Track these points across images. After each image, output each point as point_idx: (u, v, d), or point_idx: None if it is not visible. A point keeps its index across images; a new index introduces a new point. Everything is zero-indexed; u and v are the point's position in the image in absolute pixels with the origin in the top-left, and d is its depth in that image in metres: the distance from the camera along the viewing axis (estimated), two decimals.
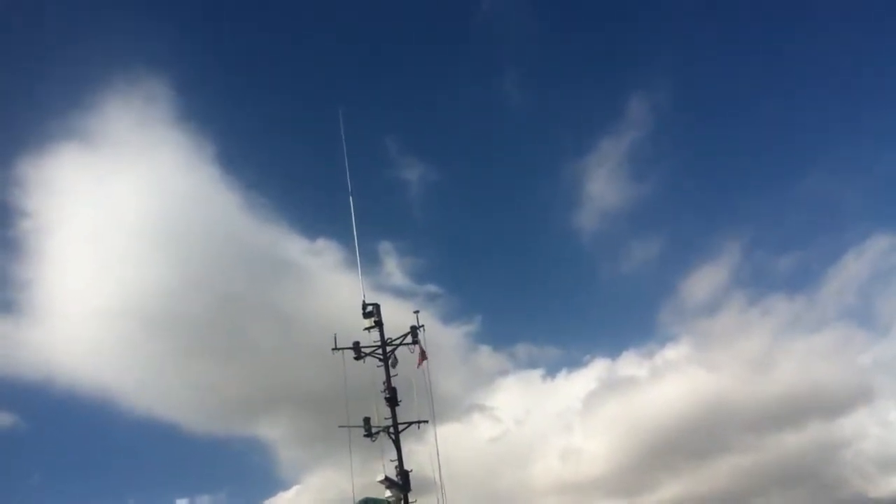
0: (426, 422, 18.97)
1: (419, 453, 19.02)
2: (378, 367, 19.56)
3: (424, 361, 19.47)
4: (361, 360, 19.59)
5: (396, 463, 18.50)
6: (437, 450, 18.34)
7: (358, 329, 19.95)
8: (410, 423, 19.05)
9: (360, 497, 16.53)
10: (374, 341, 19.79)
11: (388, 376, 19.38)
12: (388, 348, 19.74)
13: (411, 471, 18.61)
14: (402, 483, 18.15)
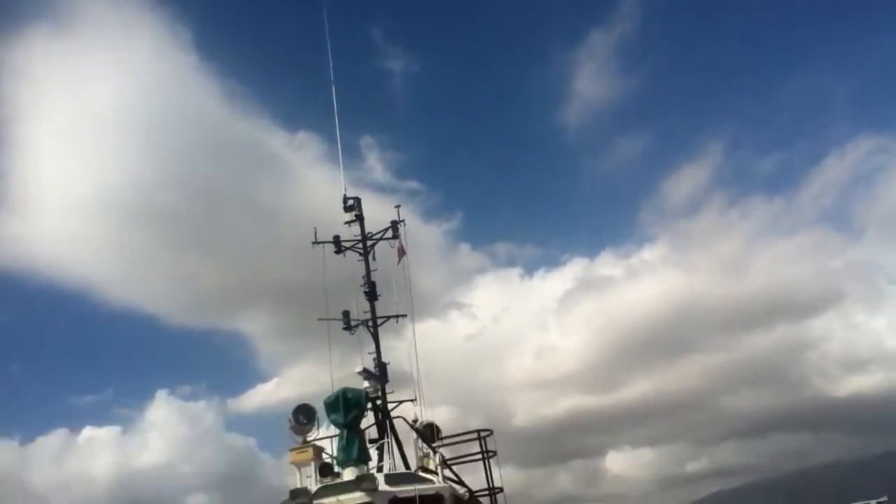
0: (405, 316, 19.17)
1: (397, 349, 19.29)
2: (358, 261, 19.57)
3: (404, 257, 19.51)
4: (341, 255, 19.59)
5: (375, 356, 18.77)
6: (415, 341, 18.62)
7: (338, 223, 19.86)
8: (389, 318, 19.24)
9: (338, 388, 16.75)
10: (355, 235, 19.74)
11: (368, 270, 19.44)
12: (369, 242, 19.71)
13: (388, 363, 18.92)
14: (379, 375, 18.44)
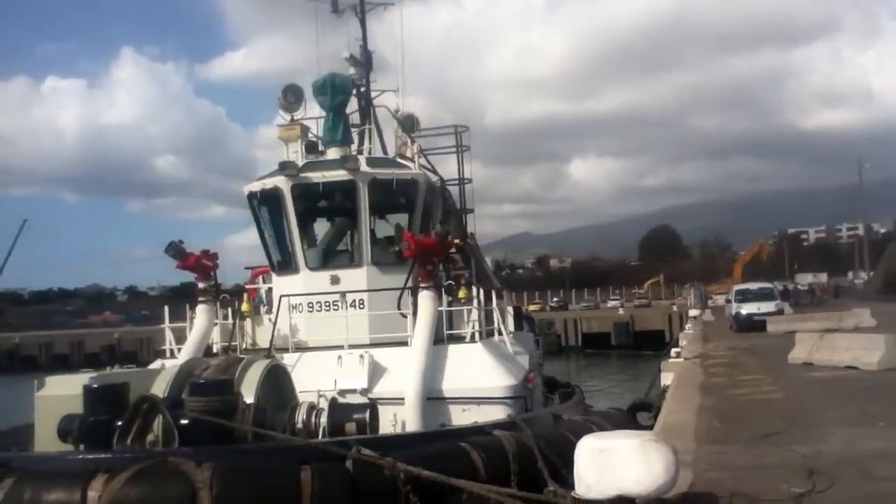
0: (392, 4, 19.33)
1: (377, 34, 19.57)
2: None
3: None
4: None
5: (361, 43, 19.14)
6: (402, 31, 18.98)
7: None
8: (378, 4, 19.36)
9: (324, 72, 17.31)
10: None
11: None
12: None
13: (374, 52, 19.38)
14: (364, 62, 18.99)
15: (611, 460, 6.16)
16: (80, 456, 8.14)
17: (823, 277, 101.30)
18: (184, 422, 8.71)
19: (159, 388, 10.04)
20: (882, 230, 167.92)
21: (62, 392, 10.53)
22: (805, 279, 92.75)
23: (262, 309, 17.25)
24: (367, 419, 10.34)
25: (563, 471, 8.00)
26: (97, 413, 9.02)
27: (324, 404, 10.84)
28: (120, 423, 8.86)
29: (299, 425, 10.11)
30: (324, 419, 10.26)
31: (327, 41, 18.79)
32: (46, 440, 10.00)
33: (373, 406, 10.88)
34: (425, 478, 7.65)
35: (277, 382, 10.83)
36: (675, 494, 6.46)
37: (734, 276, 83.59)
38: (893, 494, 6.77)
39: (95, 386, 9.44)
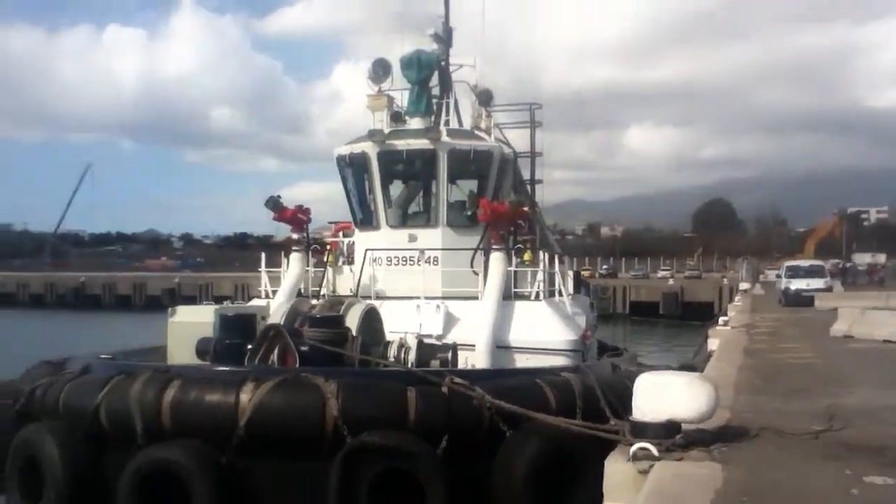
0: None
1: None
2: None
3: None
4: None
5: (443, 20, 20.54)
6: (484, 9, 20.33)
7: None
8: None
9: (408, 51, 18.74)
10: None
11: None
12: None
13: (455, 28, 20.80)
14: (446, 39, 20.44)
15: (663, 392, 7.68)
16: (232, 368, 9.98)
17: (882, 258, 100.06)
18: (304, 348, 10.53)
19: (275, 321, 11.92)
20: None
21: (192, 319, 12.49)
22: (863, 259, 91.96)
23: (341, 260, 19.05)
24: (450, 358, 12.08)
25: (620, 409, 9.61)
26: (231, 336, 10.91)
27: (411, 343, 12.60)
28: (250, 346, 10.73)
29: (391, 359, 11.90)
30: (412, 355, 12.03)
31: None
32: (179, 358, 11.96)
33: (454, 347, 12.61)
34: (505, 408, 9.31)
35: (372, 322, 12.63)
36: (713, 426, 8.01)
37: (806, 251, 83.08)
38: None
39: (231, 314, 11.32)
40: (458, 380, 9.62)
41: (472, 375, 10.31)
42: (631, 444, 7.22)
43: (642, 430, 7.34)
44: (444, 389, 9.51)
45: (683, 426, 7.58)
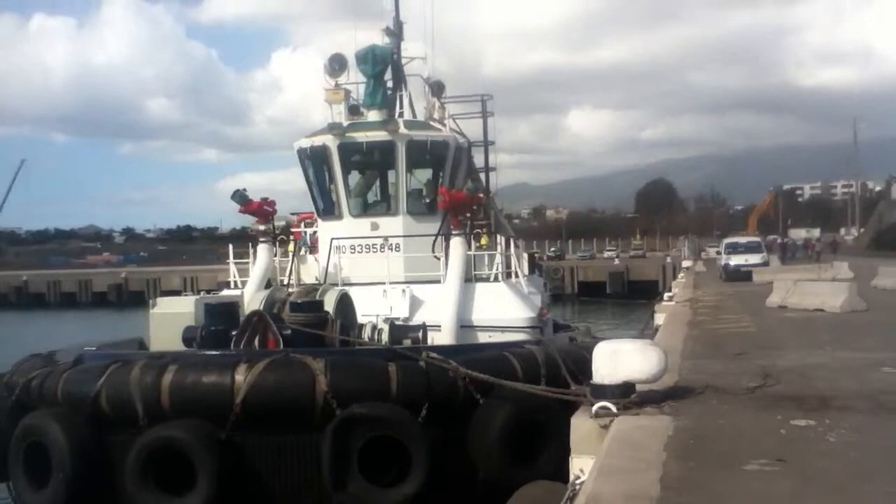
0: None
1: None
2: None
3: None
4: None
5: (393, 14, 21.28)
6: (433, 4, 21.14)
7: None
8: None
9: (363, 46, 19.43)
10: None
11: None
12: None
13: (406, 23, 21.57)
14: (397, 33, 21.20)
15: (619, 357, 8.69)
16: (225, 352, 10.72)
17: (816, 233, 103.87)
18: (286, 332, 11.32)
19: (253, 308, 12.66)
20: (876, 188, 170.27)
21: (172, 310, 13.14)
22: (799, 234, 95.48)
23: (303, 250, 19.75)
24: (420, 337, 12.99)
25: (579, 375, 10.64)
26: (216, 323, 11.62)
27: (382, 325, 13.47)
28: (235, 332, 11.46)
29: (365, 340, 12.75)
30: (385, 336, 12.91)
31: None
32: (161, 347, 12.61)
33: (424, 327, 13.53)
34: (478, 377, 10.26)
35: (345, 306, 13.45)
36: (663, 386, 9.08)
37: (750, 228, 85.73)
38: (819, 388, 9.38)
39: (215, 303, 12.03)
40: (433, 354, 10.53)
41: (446, 350, 11.21)
42: (592, 405, 8.23)
43: (602, 392, 8.35)
44: (422, 363, 10.41)
45: (637, 387, 8.62)
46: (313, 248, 19.42)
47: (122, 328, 37.94)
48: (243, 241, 19.92)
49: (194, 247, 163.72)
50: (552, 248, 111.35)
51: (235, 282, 18.11)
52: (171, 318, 12.73)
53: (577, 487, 7.34)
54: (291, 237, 19.72)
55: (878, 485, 5.58)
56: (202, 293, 15.10)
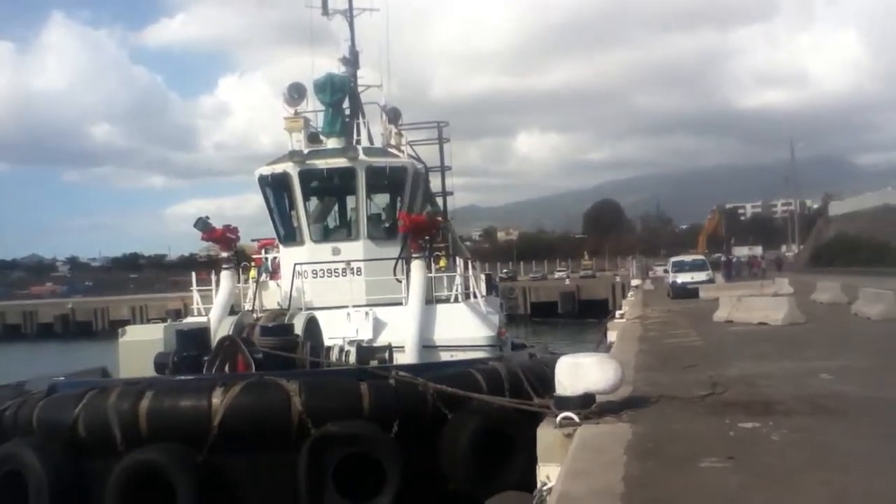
0: (377, 10, 22.06)
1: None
2: None
3: None
4: None
5: (349, 44, 21.82)
6: (388, 35, 21.76)
7: None
8: (364, 10, 22.08)
9: (318, 74, 19.91)
10: None
11: None
12: None
13: (361, 52, 22.14)
14: (353, 62, 21.74)
15: (580, 370, 9.27)
16: (200, 377, 11.01)
17: (758, 250, 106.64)
18: (258, 356, 11.66)
19: (223, 334, 12.97)
20: (814, 206, 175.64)
21: (141, 338, 13.37)
22: (742, 252, 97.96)
23: (264, 276, 20.03)
24: (387, 357, 13.43)
25: (540, 389, 11.21)
26: (188, 349, 11.90)
27: (348, 347, 13.88)
28: (207, 358, 11.77)
29: (333, 361, 13.14)
30: (352, 357, 13.33)
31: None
32: (131, 375, 12.81)
33: (390, 348, 13.97)
34: (446, 391, 10.74)
35: (313, 329, 13.83)
36: (621, 397, 9.68)
37: (699, 246, 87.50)
38: (765, 395, 10.09)
39: (186, 329, 12.31)
40: (402, 372, 10.98)
41: (414, 368, 11.67)
42: (556, 415, 8.78)
43: (565, 403, 8.91)
44: (392, 381, 10.85)
45: (597, 398, 9.20)
46: (274, 274, 19.74)
47: (71, 359, 37.44)
48: (192, 267, 20.13)
49: (142, 274, 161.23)
50: (504, 270, 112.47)
51: (199, 308, 18.30)
52: (141, 346, 12.94)
53: (545, 494, 7.88)
54: (253, 263, 20.02)
55: (817, 476, 6.23)
56: (168, 321, 15.30)
